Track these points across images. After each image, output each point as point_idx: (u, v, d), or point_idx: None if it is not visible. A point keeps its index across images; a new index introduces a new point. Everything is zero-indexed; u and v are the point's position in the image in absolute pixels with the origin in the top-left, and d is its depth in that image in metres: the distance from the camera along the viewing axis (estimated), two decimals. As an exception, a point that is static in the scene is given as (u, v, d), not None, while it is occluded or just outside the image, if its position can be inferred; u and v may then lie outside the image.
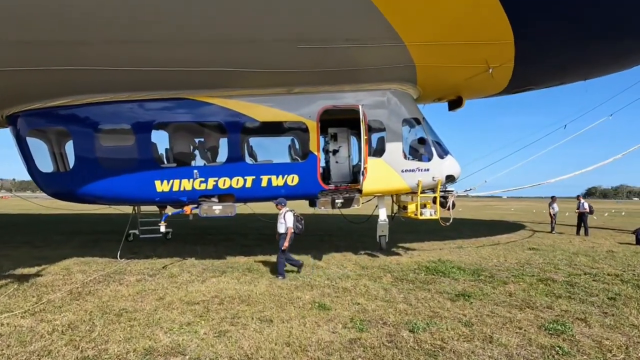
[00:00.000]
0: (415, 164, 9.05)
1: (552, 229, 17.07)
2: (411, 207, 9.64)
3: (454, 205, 9.64)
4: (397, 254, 10.80)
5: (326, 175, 9.59)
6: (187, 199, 8.21)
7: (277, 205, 7.94)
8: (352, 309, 5.89)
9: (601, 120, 9.97)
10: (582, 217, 16.27)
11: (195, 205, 8.42)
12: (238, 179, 8.19)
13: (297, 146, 9.46)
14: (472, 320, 5.42)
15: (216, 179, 8.14)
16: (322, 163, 9.39)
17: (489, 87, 9.46)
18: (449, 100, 10.32)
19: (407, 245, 12.38)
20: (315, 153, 8.53)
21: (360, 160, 8.83)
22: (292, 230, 7.90)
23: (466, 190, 10.17)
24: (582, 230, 16.08)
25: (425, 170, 9.07)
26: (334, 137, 9.65)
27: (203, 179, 8.09)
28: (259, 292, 6.82)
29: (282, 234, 8.00)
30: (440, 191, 9.37)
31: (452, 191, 9.63)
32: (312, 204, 9.86)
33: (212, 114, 8.11)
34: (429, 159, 9.27)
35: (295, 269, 8.34)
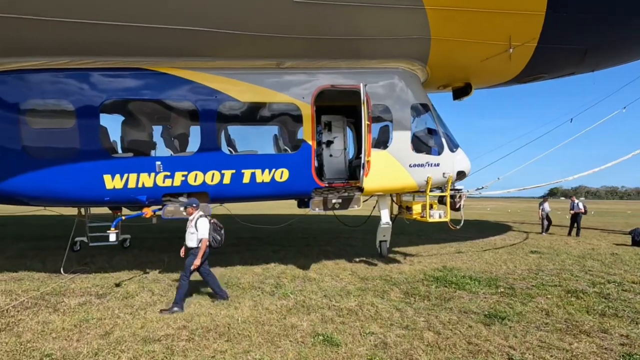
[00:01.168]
0: (424, 158, 7.77)
1: (543, 229, 16.49)
2: (416, 208, 8.39)
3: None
4: (395, 260, 9.55)
5: (321, 170, 8.19)
6: (147, 199, 6.49)
7: (186, 208, 5.99)
8: (367, 343, 4.51)
9: (614, 113, 9.19)
10: (575, 218, 15.78)
11: (159, 207, 6.77)
12: (213, 174, 6.60)
13: (287, 134, 7.92)
14: (527, 357, 4.18)
15: (185, 173, 6.50)
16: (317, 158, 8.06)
17: (502, 72, 8.41)
18: (455, 88, 9.18)
19: (401, 249, 11.19)
20: (310, 143, 7.09)
21: (360, 153, 7.52)
22: (207, 243, 5.95)
23: (478, 189, 9.06)
24: (573, 231, 15.61)
25: (435, 165, 7.83)
26: (329, 127, 8.26)
27: (168, 173, 6.42)
28: (241, 318, 5.30)
29: (191, 248, 5.96)
30: (453, 190, 8.20)
31: (461, 190, 8.45)
32: (302, 204, 8.41)
33: (181, 90, 6.45)
34: (440, 152, 8.03)
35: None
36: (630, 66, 11.06)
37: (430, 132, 8.18)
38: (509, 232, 17.43)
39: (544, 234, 16.08)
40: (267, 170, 6.88)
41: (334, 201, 7.35)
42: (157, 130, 7.80)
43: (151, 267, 8.52)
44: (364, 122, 6.63)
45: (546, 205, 16.77)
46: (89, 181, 6.12)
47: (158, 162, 6.44)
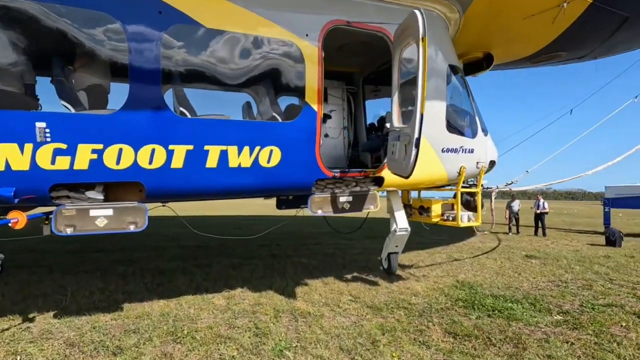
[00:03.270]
0: (458, 141, 5.76)
1: (510, 230, 15.87)
2: (436, 209, 6.43)
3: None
4: (392, 274, 7.54)
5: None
6: (15, 195, 3.53)
7: None
8: None
9: (627, 103, 8.30)
10: (540, 217, 15.39)
11: (44, 213, 3.90)
12: (153, 150, 3.86)
13: (281, 92, 5.23)
14: None
15: (97, 146, 3.69)
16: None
17: (532, 40, 6.88)
18: (469, 60, 7.47)
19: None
20: (315, 107, 4.67)
21: (380, 133, 5.38)
22: None
23: (507, 184, 7.43)
24: (539, 231, 15.22)
25: (469, 151, 5.89)
26: (323, 96, 5.96)
27: (62, 146, 3.56)
28: None
29: None
30: (466, 185, 6.38)
31: (483, 186, 6.64)
32: (285, 204, 5.98)
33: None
34: (474, 135, 6.14)
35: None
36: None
37: (463, 106, 6.24)
38: (474, 233, 16.65)
39: (510, 234, 15.47)
40: (246, 148, 4.30)
41: (343, 199, 5.07)
42: (44, 69, 4.53)
43: (41, 305, 5.43)
44: (421, 74, 3.99)
45: (515, 205, 16.24)
46: None
47: (40, 124, 3.47)
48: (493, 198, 6.46)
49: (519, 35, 6.57)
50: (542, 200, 15.65)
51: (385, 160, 5.28)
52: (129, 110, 3.75)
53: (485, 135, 6.33)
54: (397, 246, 6.38)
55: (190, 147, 4.03)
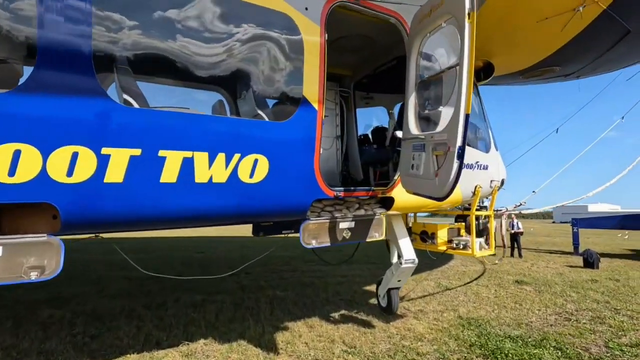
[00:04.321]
0: (475, 155, 4.94)
1: (513, 254, 15.33)
2: (442, 235, 5.49)
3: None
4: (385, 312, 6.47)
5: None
6: None
7: None
8: None
9: (615, 123, 8.08)
10: (515, 238, 15.16)
11: None
12: (74, 156, 2.51)
13: (270, 82, 3.85)
14: None
15: None
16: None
17: (536, 48, 6.34)
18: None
19: (368, 288, 8.24)
20: (315, 105, 3.57)
21: (390, 141, 4.37)
22: None
23: (516, 206, 6.70)
24: (516, 252, 14.96)
25: (484, 167, 5.04)
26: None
27: None
28: None
29: None
30: (461, 207, 5.57)
31: (487, 207, 5.83)
32: (264, 230, 4.75)
33: None
34: (487, 149, 5.32)
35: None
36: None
37: (477, 116, 5.42)
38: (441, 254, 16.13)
39: (511, 257, 15.03)
40: (220, 156, 3.10)
41: (343, 226, 3.94)
42: None
43: None
44: (466, 62, 3.03)
45: (515, 226, 15.86)
46: None
47: None
48: (504, 222, 5.63)
49: (525, 42, 6.01)
50: (516, 220, 15.48)
51: (396, 177, 4.27)
52: (35, 90, 2.39)
53: (497, 150, 5.58)
54: (399, 281, 5.33)
55: (137, 151, 2.71)
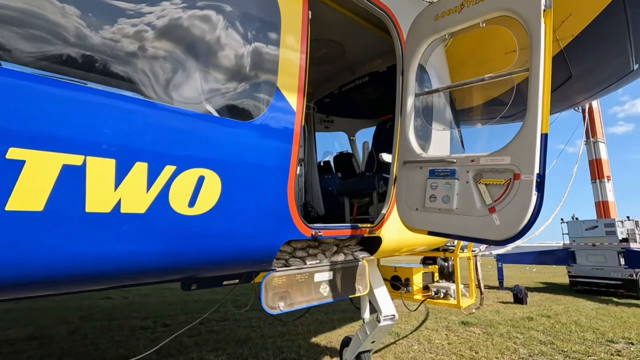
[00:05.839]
0: None
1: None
2: (417, 280, 4.80)
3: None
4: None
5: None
6: None
7: None
8: None
9: (552, 164, 8.53)
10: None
11: None
12: None
13: (230, 65, 2.41)
14: None
15: None
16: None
17: (495, 85, 6.37)
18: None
19: (315, 339, 7.23)
20: (293, 103, 2.56)
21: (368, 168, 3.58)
22: None
23: (487, 246, 6.31)
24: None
25: None
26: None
27: None
28: None
29: None
30: (445, 249, 5.06)
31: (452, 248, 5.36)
32: (198, 282, 3.56)
33: None
34: None
35: None
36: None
37: (456, 137, 4.92)
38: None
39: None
40: (138, 168, 1.86)
41: (319, 279, 2.97)
42: None
43: None
44: (541, 75, 2.50)
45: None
46: None
47: None
48: (478, 264, 5.18)
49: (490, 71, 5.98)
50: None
51: (384, 211, 3.48)
52: None
53: None
54: (373, 342, 4.42)
55: None
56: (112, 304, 11.15)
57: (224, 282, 3.66)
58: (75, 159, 1.71)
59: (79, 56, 1.80)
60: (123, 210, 1.86)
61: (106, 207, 1.81)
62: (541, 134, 2.47)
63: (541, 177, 2.44)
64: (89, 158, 1.74)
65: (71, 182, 1.72)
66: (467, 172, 2.75)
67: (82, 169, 1.73)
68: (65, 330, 7.66)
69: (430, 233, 3.01)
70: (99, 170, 1.77)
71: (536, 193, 2.42)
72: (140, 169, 1.89)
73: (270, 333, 7.80)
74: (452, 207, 2.80)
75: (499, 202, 2.53)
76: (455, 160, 2.88)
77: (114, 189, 1.82)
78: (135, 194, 1.88)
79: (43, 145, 1.65)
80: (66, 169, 1.69)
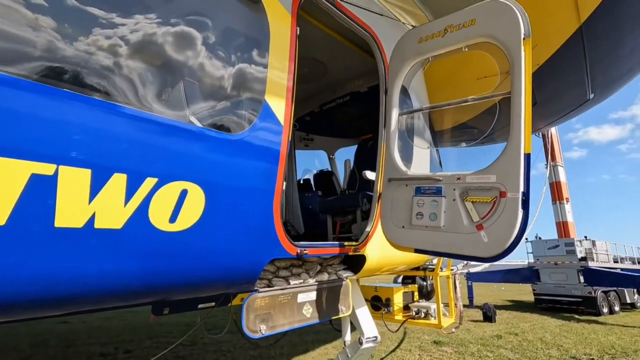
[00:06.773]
0: None
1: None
2: (397, 300, 4.76)
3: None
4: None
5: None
6: None
7: None
8: None
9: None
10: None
11: None
12: None
13: (217, 72, 2.34)
14: None
15: None
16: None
17: (469, 108, 6.67)
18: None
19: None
20: (280, 116, 2.55)
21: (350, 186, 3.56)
22: None
23: (464, 265, 6.37)
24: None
25: None
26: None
27: None
28: None
29: None
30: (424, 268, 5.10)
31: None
32: (171, 305, 3.34)
33: None
34: None
35: None
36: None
37: (435, 156, 5.00)
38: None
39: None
40: (116, 179, 1.74)
41: (302, 299, 2.86)
42: None
43: None
44: (523, 97, 2.61)
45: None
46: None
47: None
48: (457, 283, 5.21)
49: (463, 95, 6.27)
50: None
51: (368, 229, 3.46)
52: None
53: None
54: None
55: None
56: (68, 328, 10.31)
57: (199, 306, 3.44)
58: (46, 168, 1.58)
59: (60, 60, 1.69)
60: (97, 225, 1.72)
61: (78, 222, 1.67)
62: (524, 154, 2.56)
63: (526, 195, 2.53)
64: (61, 167, 1.61)
65: (40, 193, 1.58)
66: (454, 189, 2.80)
67: (53, 179, 1.60)
68: (15, 359, 6.97)
69: (417, 251, 2.98)
70: (72, 181, 1.64)
71: (522, 211, 2.49)
72: (118, 181, 1.76)
73: (241, 357, 7.45)
74: (440, 225, 2.82)
75: (486, 219, 2.58)
76: (441, 178, 2.92)
77: (88, 202, 1.69)
78: (111, 208, 1.74)
79: (9, 152, 1.52)
80: (35, 179, 1.55)
